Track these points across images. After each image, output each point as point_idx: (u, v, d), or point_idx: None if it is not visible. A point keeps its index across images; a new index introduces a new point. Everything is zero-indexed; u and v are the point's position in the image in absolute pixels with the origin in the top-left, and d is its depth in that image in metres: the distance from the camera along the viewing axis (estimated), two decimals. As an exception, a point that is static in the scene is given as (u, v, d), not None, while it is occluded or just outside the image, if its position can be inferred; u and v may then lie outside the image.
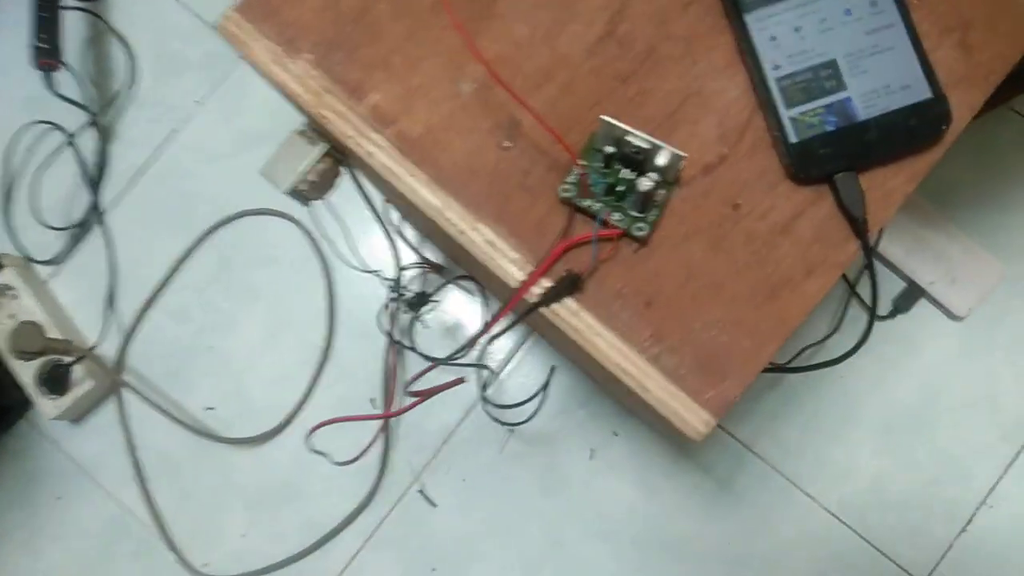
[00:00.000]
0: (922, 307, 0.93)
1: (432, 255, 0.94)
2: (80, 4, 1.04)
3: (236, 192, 1.01)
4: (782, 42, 0.46)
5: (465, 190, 0.47)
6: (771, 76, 0.46)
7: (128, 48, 1.06)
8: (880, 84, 0.45)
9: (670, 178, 0.45)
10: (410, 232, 0.96)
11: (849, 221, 0.45)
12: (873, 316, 0.46)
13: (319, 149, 0.66)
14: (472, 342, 0.52)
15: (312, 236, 0.99)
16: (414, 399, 0.60)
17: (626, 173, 0.45)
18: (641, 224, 0.45)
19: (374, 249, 0.96)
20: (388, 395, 0.93)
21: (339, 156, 0.68)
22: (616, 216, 0.45)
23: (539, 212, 0.46)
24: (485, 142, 0.47)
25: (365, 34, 0.49)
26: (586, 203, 0.45)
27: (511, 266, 0.46)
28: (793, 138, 0.45)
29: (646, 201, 0.44)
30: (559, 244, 0.45)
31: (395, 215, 0.90)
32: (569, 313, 0.45)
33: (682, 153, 0.43)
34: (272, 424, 0.97)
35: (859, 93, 0.45)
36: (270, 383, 0.98)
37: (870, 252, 0.45)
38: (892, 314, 0.92)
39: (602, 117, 0.43)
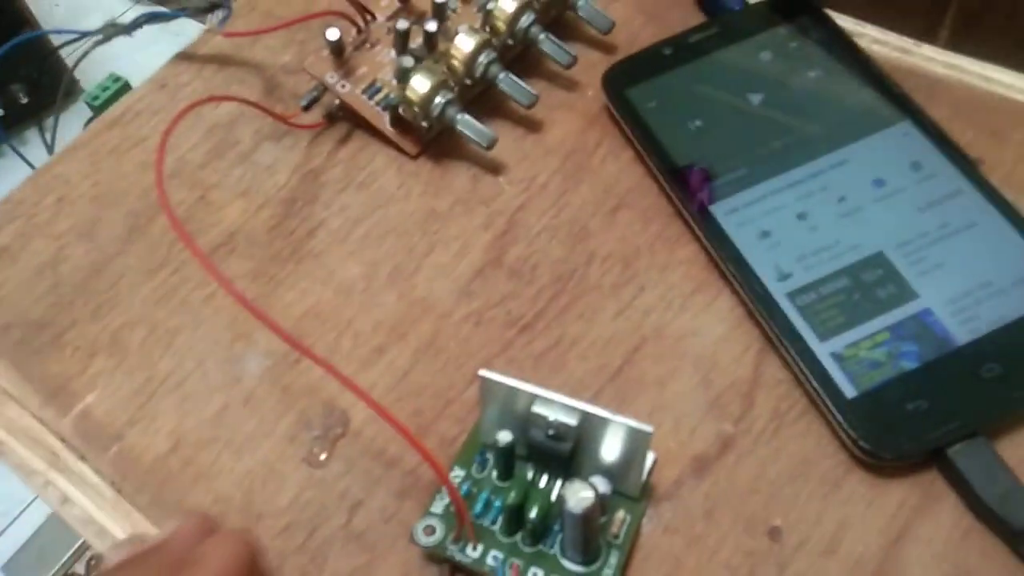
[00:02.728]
0: None
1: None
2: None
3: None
4: (781, 237, 0.27)
5: (234, 554, 0.24)
6: (777, 292, 0.26)
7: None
8: (974, 283, 0.25)
9: (632, 488, 0.23)
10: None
11: (1003, 537, 0.22)
12: None
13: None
14: None
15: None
16: None
17: (542, 485, 0.23)
18: (587, 588, 0.21)
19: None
20: None
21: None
22: (535, 574, 0.22)
23: (380, 585, 0.23)
24: (281, 455, 0.25)
25: (89, 303, 0.29)
26: (470, 553, 0.22)
27: None
28: (849, 391, 0.24)
29: (589, 537, 0.21)
30: (419, 652, 0.21)
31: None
32: None
33: (645, 427, 0.21)
34: None
35: (941, 301, 0.25)
36: None
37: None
38: None
39: (481, 373, 0.22)
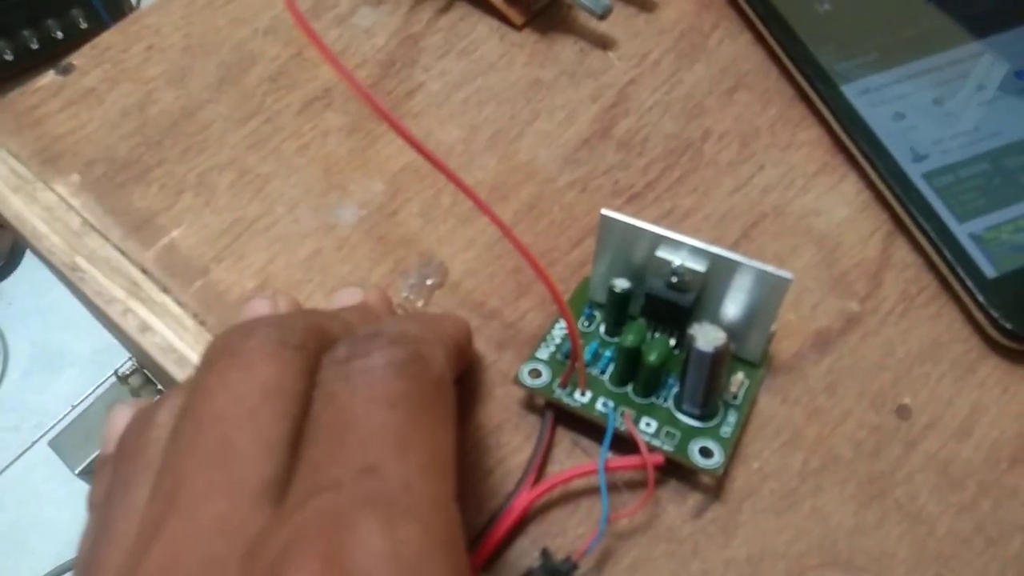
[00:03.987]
0: None
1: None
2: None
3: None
4: (916, 121, 0.25)
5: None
6: (912, 172, 0.24)
7: (1, 340, 0.86)
8: (1125, 178, 0.24)
9: (754, 351, 0.21)
10: None
11: None
12: None
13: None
14: None
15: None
16: None
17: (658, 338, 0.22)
18: (707, 441, 0.20)
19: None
20: None
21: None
22: (647, 424, 0.20)
23: (480, 427, 0.22)
24: (374, 302, 0.24)
25: (178, 144, 0.28)
26: (579, 399, 0.21)
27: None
28: (990, 271, 0.22)
29: (713, 386, 0.20)
30: (521, 492, 0.20)
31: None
32: (550, 668, 0.18)
33: (784, 274, 0.19)
34: None
35: (1091, 193, 0.23)
36: None
37: None
38: None
39: (603, 212, 0.21)
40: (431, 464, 0.15)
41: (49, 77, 0.30)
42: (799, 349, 0.22)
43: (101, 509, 0.17)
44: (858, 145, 0.25)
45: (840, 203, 0.25)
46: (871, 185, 0.25)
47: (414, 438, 0.15)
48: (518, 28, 0.30)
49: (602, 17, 0.29)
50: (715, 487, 0.20)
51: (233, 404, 0.16)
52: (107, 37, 0.31)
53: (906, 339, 0.22)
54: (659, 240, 0.20)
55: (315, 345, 0.17)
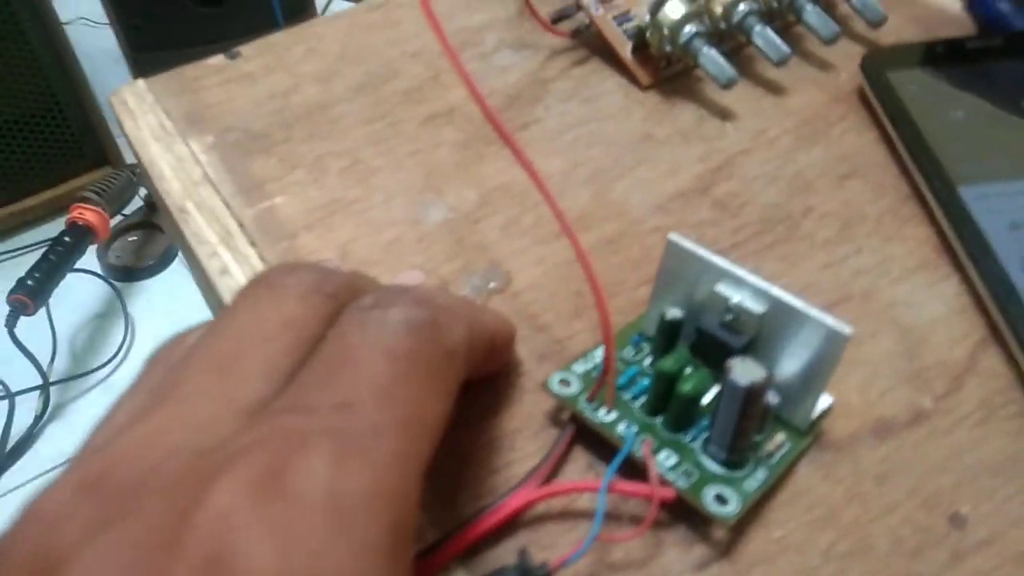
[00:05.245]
0: None
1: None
2: (100, 273, 0.94)
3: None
4: (1038, 235, 0.24)
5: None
6: (1020, 282, 0.23)
7: (130, 329, 0.92)
8: None
9: (801, 417, 0.20)
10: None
11: None
12: None
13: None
14: None
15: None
16: None
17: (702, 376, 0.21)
18: (726, 489, 0.18)
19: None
20: None
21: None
22: (667, 458, 0.19)
23: (497, 426, 0.21)
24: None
25: (307, 129, 0.30)
26: (602, 416, 0.20)
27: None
28: (1090, 396, 0.20)
29: (743, 427, 0.18)
30: (520, 491, 0.19)
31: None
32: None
33: (843, 328, 0.18)
34: None
35: None
36: None
37: None
38: None
39: (671, 236, 0.20)
40: (409, 424, 0.15)
41: (218, 59, 0.34)
42: (855, 431, 0.21)
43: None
44: (966, 247, 0.24)
45: (935, 301, 0.23)
46: (972, 290, 0.23)
47: (402, 394, 0.15)
48: (644, 88, 0.31)
49: (726, 86, 0.29)
50: (726, 544, 0.19)
51: (252, 326, 0.17)
52: (277, 36, 0.35)
53: (978, 448, 0.20)
54: (722, 274, 0.20)
55: (348, 298, 0.18)
